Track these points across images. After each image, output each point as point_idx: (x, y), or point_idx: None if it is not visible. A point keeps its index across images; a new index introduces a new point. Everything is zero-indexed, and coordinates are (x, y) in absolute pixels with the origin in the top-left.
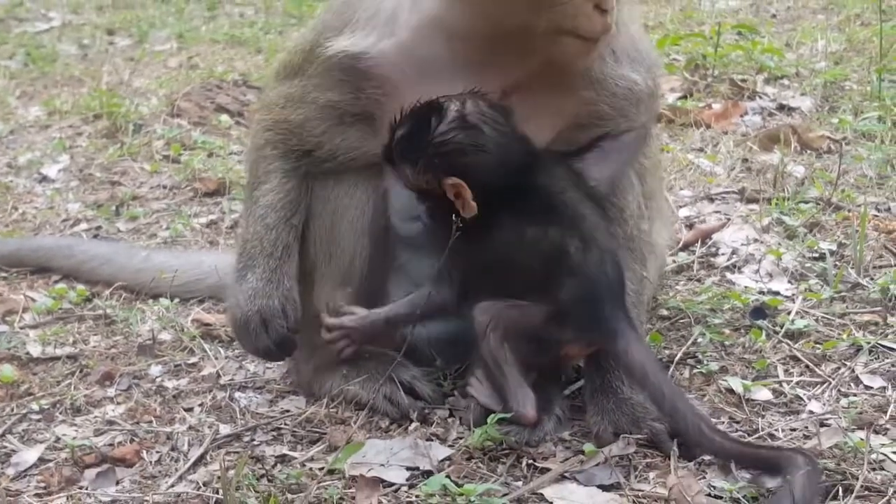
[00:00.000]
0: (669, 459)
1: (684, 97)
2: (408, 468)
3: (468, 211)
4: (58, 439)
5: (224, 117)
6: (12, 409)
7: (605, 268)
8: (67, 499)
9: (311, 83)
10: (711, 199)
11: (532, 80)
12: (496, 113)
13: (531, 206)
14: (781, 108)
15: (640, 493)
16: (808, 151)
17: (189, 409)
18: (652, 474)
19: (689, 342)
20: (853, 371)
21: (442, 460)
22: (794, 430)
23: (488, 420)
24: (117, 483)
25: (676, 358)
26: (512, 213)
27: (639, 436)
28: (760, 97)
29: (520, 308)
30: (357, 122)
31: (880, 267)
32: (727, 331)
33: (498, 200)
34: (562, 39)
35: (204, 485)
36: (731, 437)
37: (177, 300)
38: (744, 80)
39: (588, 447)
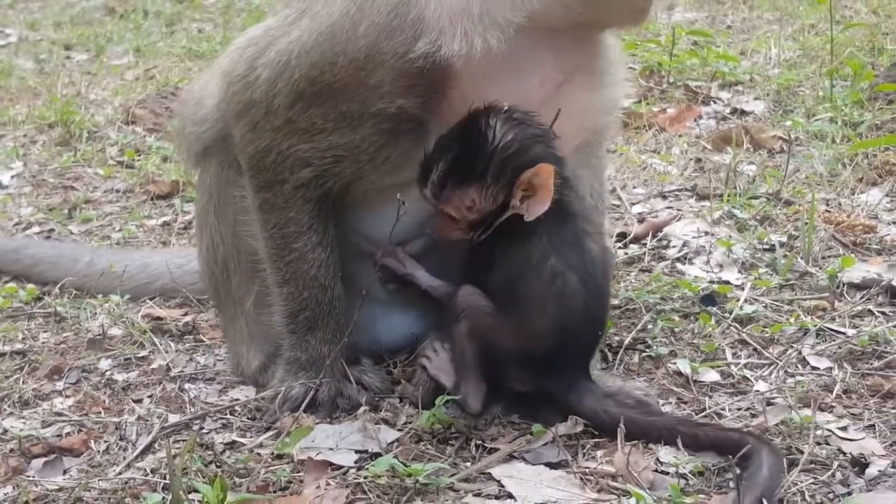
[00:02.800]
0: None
1: (639, 102)
2: (357, 451)
3: (544, 201)
4: (5, 431)
5: (174, 128)
6: None
7: (594, 330)
8: (14, 488)
9: (375, 94)
10: (664, 197)
11: (581, 71)
12: (518, 111)
13: (565, 236)
14: (735, 111)
15: (587, 470)
16: (761, 151)
17: (138, 401)
18: (599, 452)
19: (639, 327)
20: (800, 353)
21: (391, 443)
22: (740, 409)
23: (437, 401)
24: (64, 472)
25: (626, 343)
26: (547, 237)
27: None
28: (715, 102)
29: (496, 320)
30: (412, 129)
31: (829, 257)
32: (677, 318)
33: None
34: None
35: (152, 471)
36: (700, 423)
37: (127, 297)
38: (699, 87)
39: (536, 427)
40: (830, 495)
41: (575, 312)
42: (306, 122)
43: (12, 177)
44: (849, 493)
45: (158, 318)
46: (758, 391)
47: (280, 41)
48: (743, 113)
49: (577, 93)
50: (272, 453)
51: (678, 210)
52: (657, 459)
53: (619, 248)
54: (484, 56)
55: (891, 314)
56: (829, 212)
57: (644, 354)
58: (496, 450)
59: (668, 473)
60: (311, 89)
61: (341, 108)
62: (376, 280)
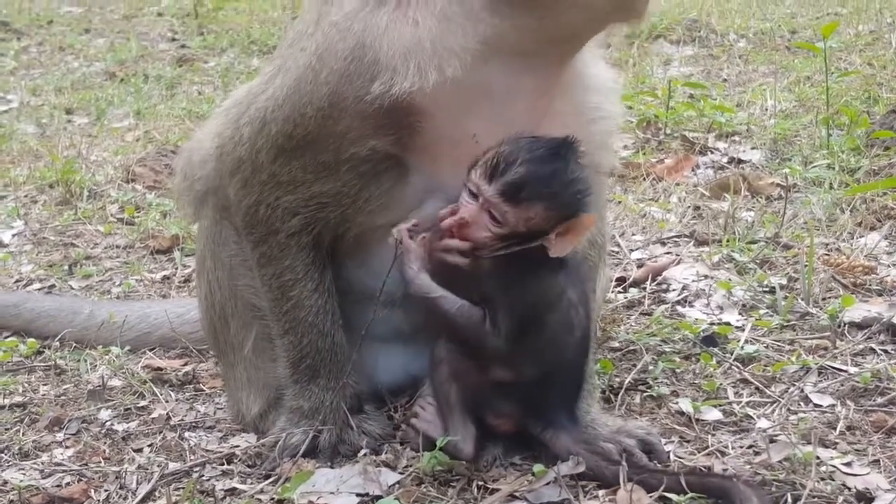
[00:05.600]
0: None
1: (636, 152)
2: (358, 494)
3: (572, 244)
4: (4, 482)
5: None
6: None
7: (582, 363)
8: None
9: (346, 140)
10: (663, 243)
11: (560, 96)
12: None
13: (573, 268)
14: (732, 160)
15: None
16: (759, 197)
17: (138, 450)
18: (601, 492)
19: (639, 368)
20: (802, 391)
21: (392, 485)
22: (742, 446)
23: (437, 443)
24: None
25: (626, 383)
26: (565, 270)
27: None
28: (712, 152)
29: (478, 362)
30: (390, 168)
31: (829, 298)
32: (678, 359)
33: None
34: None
35: None
36: (681, 471)
37: (127, 348)
38: (695, 137)
39: (537, 468)
40: None
41: (576, 343)
42: (288, 175)
43: (13, 235)
44: None
45: (158, 369)
46: (760, 429)
47: (259, 99)
48: (740, 162)
49: (564, 125)
50: (273, 499)
51: (677, 255)
52: (660, 496)
53: (619, 292)
54: (448, 87)
55: (893, 352)
56: (828, 254)
57: (645, 394)
58: (498, 490)
59: None
60: (289, 144)
61: (319, 159)
62: (375, 321)
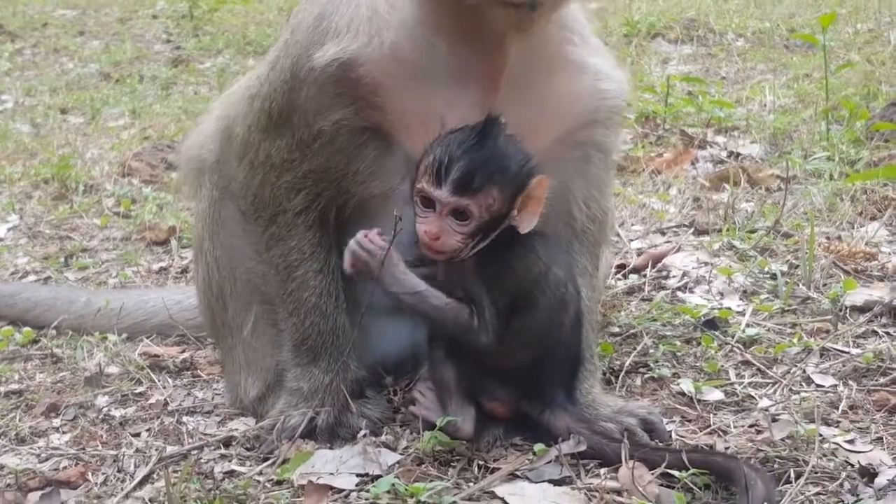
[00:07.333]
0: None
1: (635, 146)
2: (357, 475)
3: (536, 213)
4: (1, 467)
5: (175, 174)
6: None
7: (577, 342)
8: None
9: (311, 113)
10: (663, 233)
11: (528, 73)
12: None
13: (553, 244)
14: (731, 154)
15: (591, 486)
16: (758, 188)
17: (136, 434)
18: (603, 469)
19: (640, 350)
20: (804, 372)
21: (392, 465)
22: (745, 426)
23: (438, 423)
24: None
25: (626, 366)
26: (544, 248)
27: None
28: (711, 146)
29: (476, 341)
30: (371, 139)
31: (830, 284)
32: (678, 342)
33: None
34: (491, 8)
35: (150, 501)
36: (683, 448)
37: (124, 335)
38: (694, 132)
39: (538, 447)
40: None
41: (570, 320)
42: (278, 156)
43: (8, 229)
44: (858, 502)
45: (156, 356)
46: (762, 408)
47: (253, 77)
48: (739, 156)
49: (543, 85)
50: (272, 479)
51: (677, 244)
52: (662, 473)
53: (619, 278)
54: (397, 63)
55: (895, 333)
56: (828, 242)
57: (646, 376)
58: (499, 469)
59: (673, 487)
60: (270, 122)
61: (297, 137)
62: (376, 297)
